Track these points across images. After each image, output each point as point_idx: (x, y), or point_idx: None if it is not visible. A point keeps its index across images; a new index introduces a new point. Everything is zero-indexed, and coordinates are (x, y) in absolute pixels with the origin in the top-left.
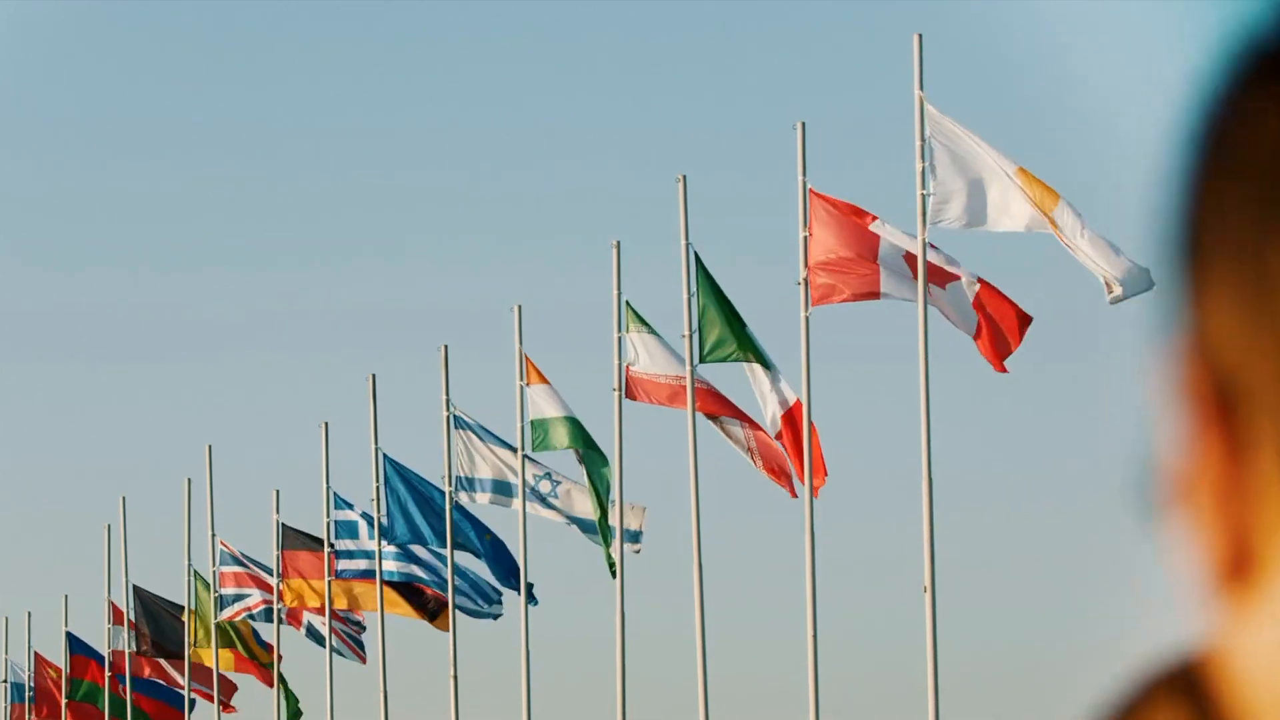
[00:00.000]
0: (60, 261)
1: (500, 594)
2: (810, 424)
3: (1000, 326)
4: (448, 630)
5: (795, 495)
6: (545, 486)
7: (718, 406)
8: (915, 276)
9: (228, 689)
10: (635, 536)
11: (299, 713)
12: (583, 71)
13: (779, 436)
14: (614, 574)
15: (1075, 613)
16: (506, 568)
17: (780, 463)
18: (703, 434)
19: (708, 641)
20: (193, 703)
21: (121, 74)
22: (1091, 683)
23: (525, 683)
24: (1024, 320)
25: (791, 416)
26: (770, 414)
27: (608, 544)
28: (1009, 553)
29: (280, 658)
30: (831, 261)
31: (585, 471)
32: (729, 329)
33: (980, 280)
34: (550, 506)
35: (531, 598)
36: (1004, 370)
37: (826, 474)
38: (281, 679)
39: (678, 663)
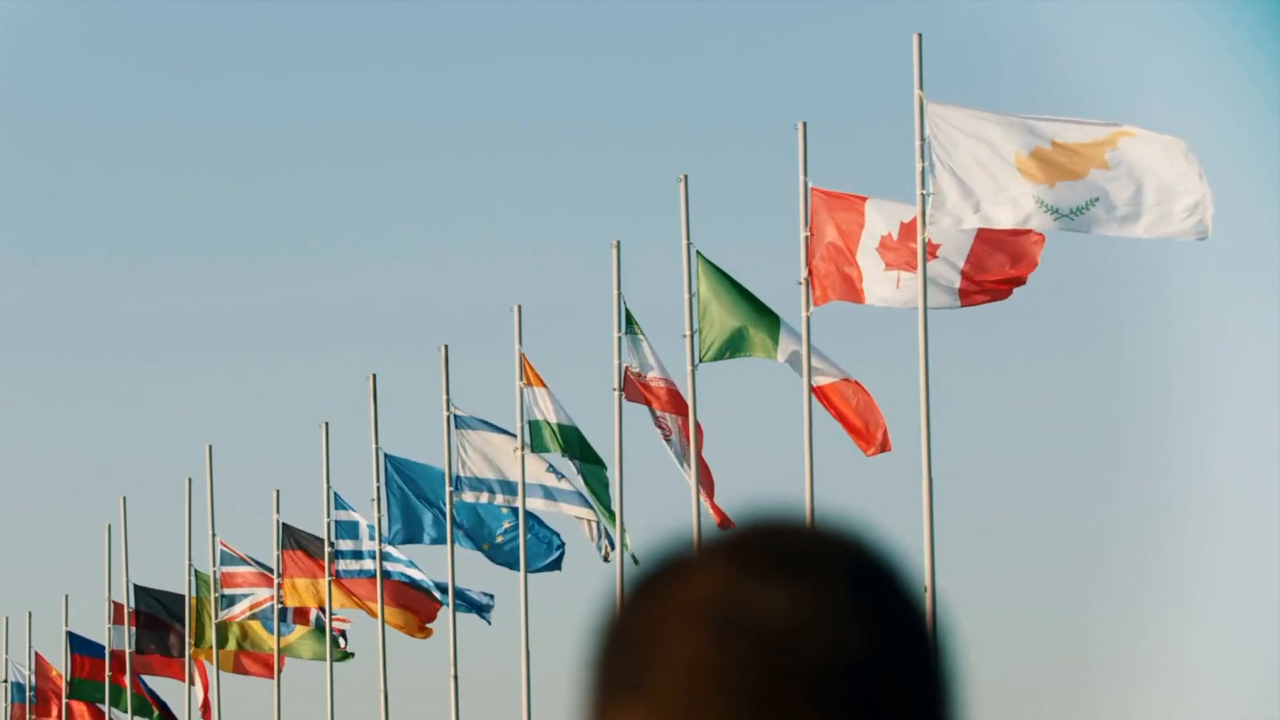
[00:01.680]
0: (61, 262)
1: (492, 598)
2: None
3: (1007, 255)
4: (429, 637)
5: (722, 524)
6: (550, 479)
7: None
8: (902, 264)
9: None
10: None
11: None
12: (583, 71)
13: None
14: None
15: (1076, 612)
16: (543, 547)
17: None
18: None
19: None
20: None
21: (123, 70)
22: (1092, 682)
23: (525, 683)
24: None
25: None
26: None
27: (612, 537)
28: (1009, 553)
29: (282, 663)
30: (825, 260)
31: (584, 480)
32: (735, 329)
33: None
34: (553, 499)
35: (557, 564)
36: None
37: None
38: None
39: None
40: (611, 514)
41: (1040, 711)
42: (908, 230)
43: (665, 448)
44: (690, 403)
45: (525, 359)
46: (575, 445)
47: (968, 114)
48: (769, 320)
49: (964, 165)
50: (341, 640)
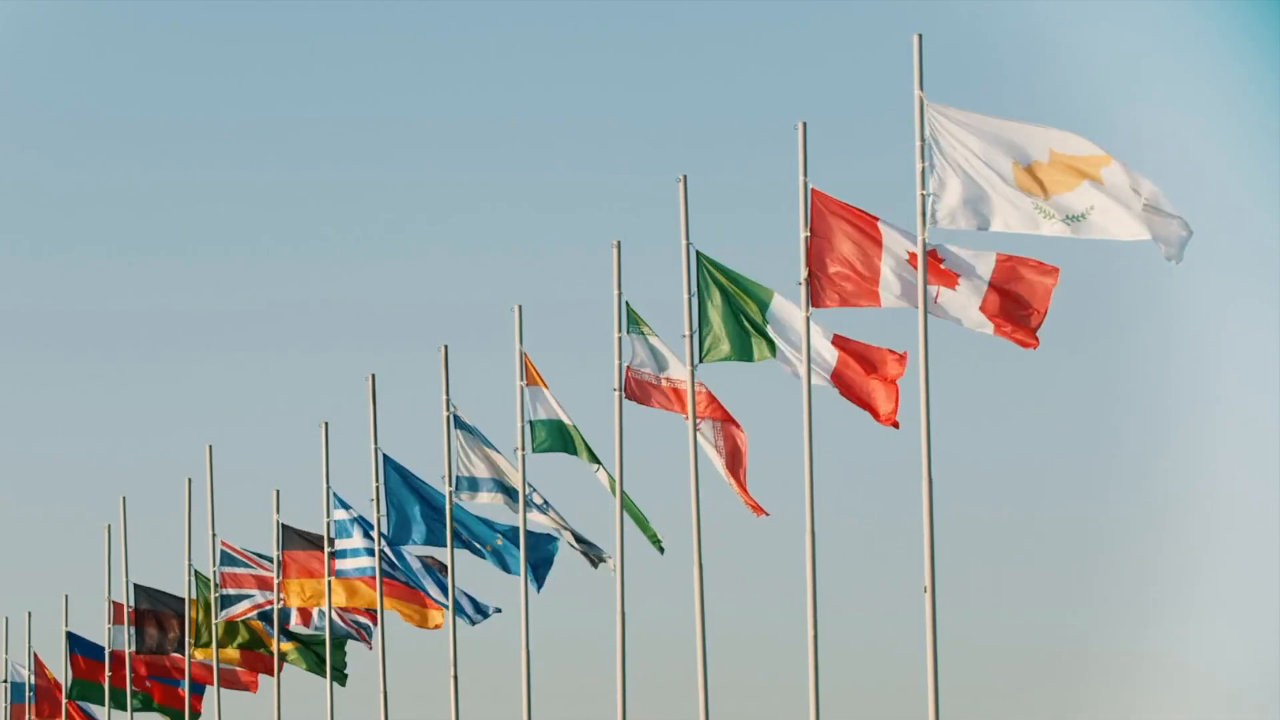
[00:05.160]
0: (61, 260)
1: (486, 607)
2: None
3: (1024, 297)
4: (440, 627)
5: (762, 513)
6: (538, 498)
7: (711, 410)
8: (940, 280)
9: (234, 678)
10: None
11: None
12: (583, 71)
13: (839, 377)
14: (661, 550)
15: (1076, 612)
16: (531, 560)
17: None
18: (700, 431)
19: (708, 641)
20: (201, 688)
21: (123, 68)
22: (1091, 682)
23: (525, 683)
24: (1050, 274)
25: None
26: (827, 369)
27: (646, 528)
28: (1009, 553)
29: (282, 662)
30: (834, 265)
31: (601, 470)
32: (735, 330)
33: (998, 255)
34: (545, 512)
35: (538, 582)
36: (1036, 344)
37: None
38: (308, 646)
39: (678, 663)
40: (638, 514)
41: (1040, 711)
42: (932, 256)
43: (705, 447)
44: (690, 402)
45: (527, 358)
46: (575, 443)
47: (967, 117)
48: (762, 330)
49: (964, 168)
50: (352, 627)
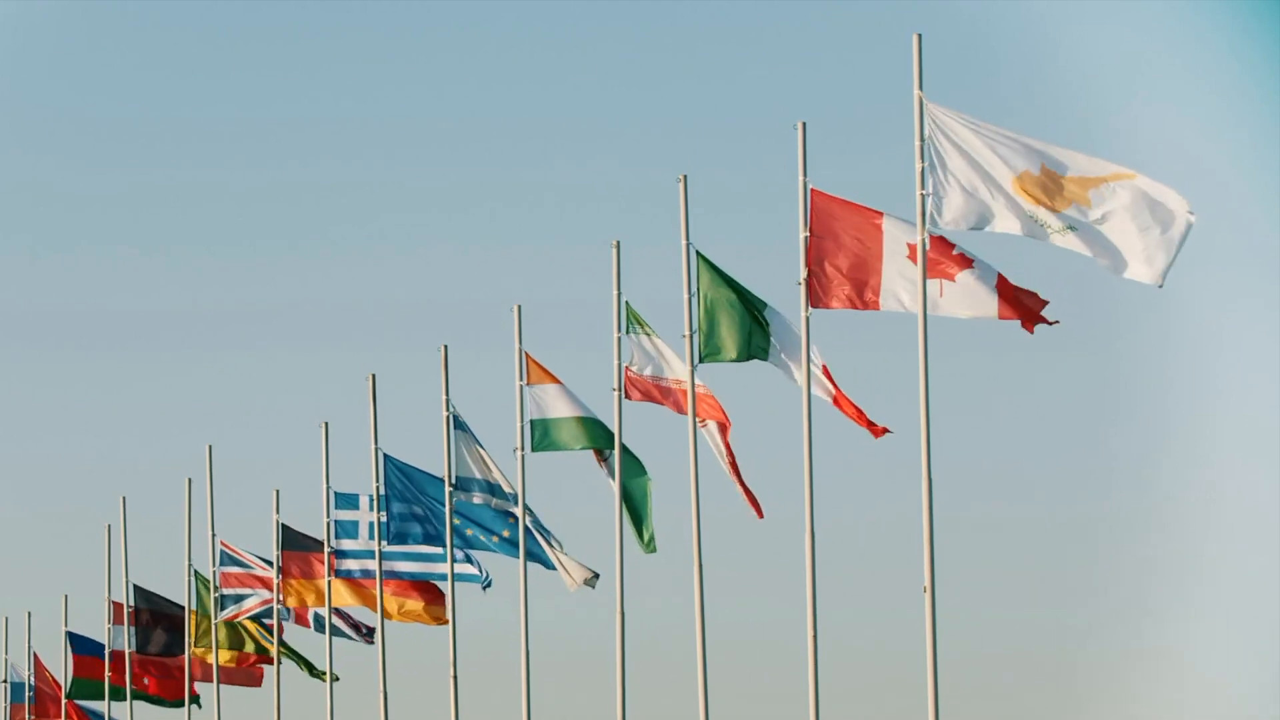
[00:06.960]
0: (61, 260)
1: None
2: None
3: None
4: (447, 624)
5: (761, 516)
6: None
7: (710, 410)
8: (941, 274)
9: (234, 678)
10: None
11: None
12: (583, 71)
13: (836, 401)
14: (653, 549)
15: (1076, 612)
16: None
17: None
18: (703, 434)
19: (707, 641)
20: (195, 697)
21: (122, 67)
22: (1092, 682)
23: (525, 683)
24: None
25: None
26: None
27: (644, 528)
28: (1009, 553)
29: (281, 659)
30: (834, 266)
31: (607, 470)
32: (735, 330)
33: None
34: (536, 531)
35: (544, 559)
36: (1031, 329)
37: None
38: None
39: (678, 663)
40: (641, 516)
41: (1040, 712)
42: (941, 243)
43: (705, 439)
44: (690, 402)
45: (530, 357)
46: (601, 438)
47: (968, 126)
48: (762, 326)
49: (962, 170)
50: (360, 634)
